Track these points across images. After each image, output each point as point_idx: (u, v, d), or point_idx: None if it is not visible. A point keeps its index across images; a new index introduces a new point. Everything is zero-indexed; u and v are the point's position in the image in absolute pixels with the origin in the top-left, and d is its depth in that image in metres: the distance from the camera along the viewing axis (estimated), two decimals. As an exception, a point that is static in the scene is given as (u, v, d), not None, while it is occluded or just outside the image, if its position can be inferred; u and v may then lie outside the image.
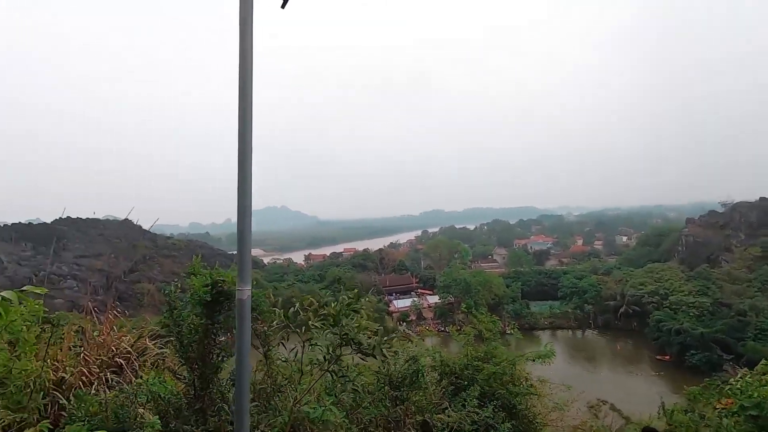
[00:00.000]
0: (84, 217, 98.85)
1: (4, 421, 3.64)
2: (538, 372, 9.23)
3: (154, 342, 8.01)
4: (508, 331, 11.61)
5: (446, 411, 6.61)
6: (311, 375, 5.72)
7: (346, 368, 5.00)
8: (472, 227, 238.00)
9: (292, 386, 5.30)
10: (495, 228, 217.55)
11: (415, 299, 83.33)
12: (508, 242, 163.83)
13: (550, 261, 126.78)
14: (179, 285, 6.82)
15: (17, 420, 4.47)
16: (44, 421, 4.79)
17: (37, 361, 5.55)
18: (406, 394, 6.25)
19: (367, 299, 5.36)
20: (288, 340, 5.53)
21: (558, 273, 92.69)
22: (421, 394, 6.53)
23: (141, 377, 6.30)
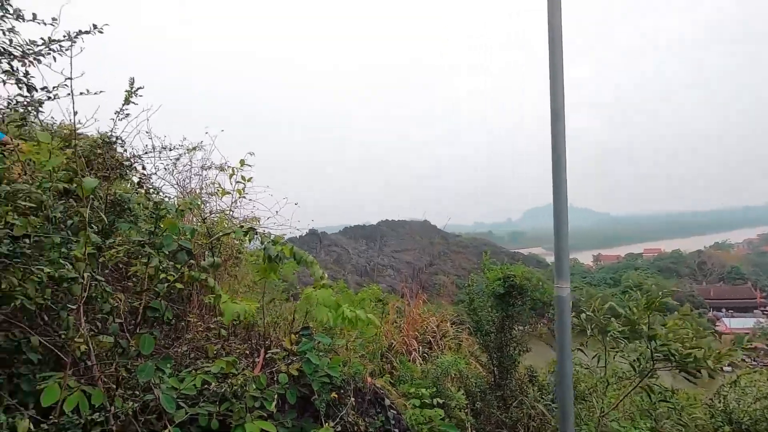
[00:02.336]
0: (396, 219, 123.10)
1: (370, 369, 4.99)
2: None
3: (453, 327, 9.16)
4: None
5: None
6: (617, 388, 5.09)
7: (666, 390, 4.18)
8: None
9: (597, 397, 4.87)
10: None
11: (762, 320, 61.00)
12: None
13: None
14: (474, 279, 7.52)
15: (372, 370, 5.98)
16: (386, 375, 6.29)
17: (374, 329, 7.32)
18: (761, 443, 4.68)
19: (678, 309, 4.31)
20: (586, 345, 5.13)
21: None
22: (790, 450, 4.73)
23: (444, 356, 7.29)
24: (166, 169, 4.34)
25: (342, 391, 3.06)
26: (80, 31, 2.33)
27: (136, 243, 2.41)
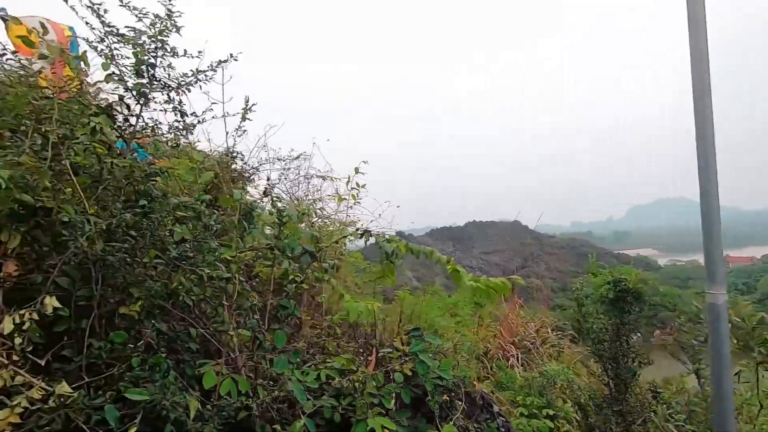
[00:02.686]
0: (484, 220, 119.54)
1: (475, 373, 4.92)
2: None
3: (554, 333, 8.59)
4: None
5: None
6: (770, 414, 4.33)
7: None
8: None
9: (743, 420, 4.20)
10: None
11: None
12: None
13: None
14: (582, 282, 7.00)
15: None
16: (486, 381, 6.12)
17: (470, 334, 7.15)
18: None
19: None
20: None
21: None
22: None
23: (548, 364, 6.86)
24: (287, 179, 4.79)
25: (452, 394, 3.05)
26: (220, 60, 2.68)
27: (265, 247, 2.67)
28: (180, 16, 2.77)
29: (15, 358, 1.41)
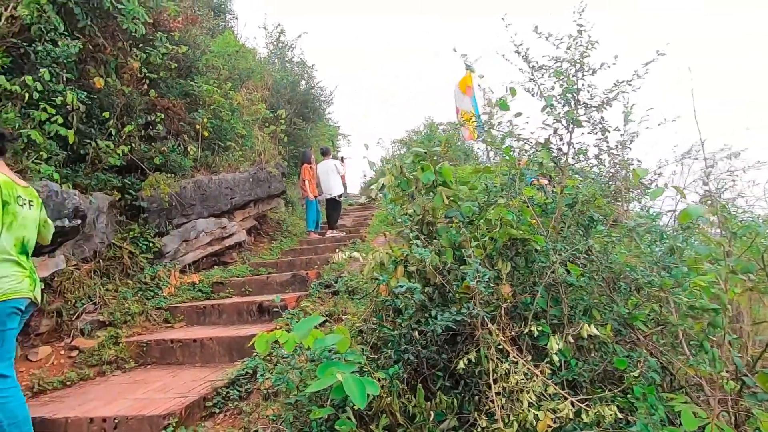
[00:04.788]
0: None
1: None
2: None
3: None
4: None
5: None
6: None
7: None
8: None
9: None
10: None
11: None
12: None
13: None
14: None
15: None
16: None
17: None
18: None
19: None
20: None
21: None
22: None
23: None
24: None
25: None
26: (644, 63, 2.46)
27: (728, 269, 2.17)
28: (591, 29, 2.75)
29: (546, 370, 1.70)
